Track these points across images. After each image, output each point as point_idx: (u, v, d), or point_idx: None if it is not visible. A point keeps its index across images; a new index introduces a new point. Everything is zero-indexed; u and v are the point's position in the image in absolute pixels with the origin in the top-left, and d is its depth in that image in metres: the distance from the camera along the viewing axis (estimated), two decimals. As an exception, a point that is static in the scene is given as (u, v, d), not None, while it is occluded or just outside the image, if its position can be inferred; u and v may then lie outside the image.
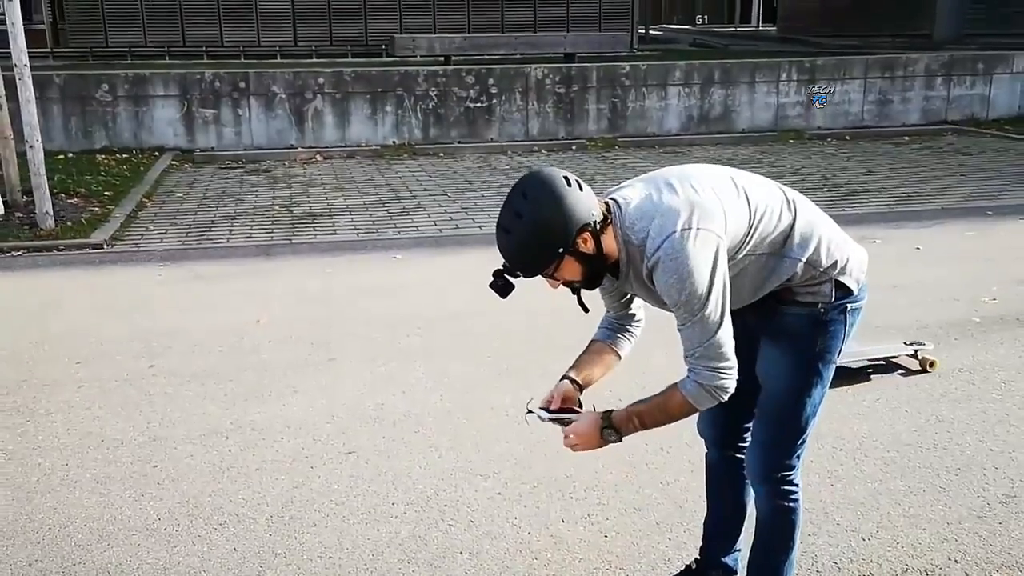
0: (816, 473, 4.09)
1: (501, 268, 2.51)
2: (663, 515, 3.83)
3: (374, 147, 13.89)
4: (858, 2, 27.75)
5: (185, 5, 24.29)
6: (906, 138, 14.68)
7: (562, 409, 2.77)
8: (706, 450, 3.16)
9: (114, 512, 3.92)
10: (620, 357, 2.87)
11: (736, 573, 3.22)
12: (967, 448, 4.37)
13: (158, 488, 4.12)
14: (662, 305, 2.58)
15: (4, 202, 9.52)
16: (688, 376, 2.52)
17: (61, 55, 23.71)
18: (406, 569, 3.49)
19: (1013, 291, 6.70)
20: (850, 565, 3.46)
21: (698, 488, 3.89)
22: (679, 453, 4.27)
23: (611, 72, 14.82)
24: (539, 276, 2.54)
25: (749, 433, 2.94)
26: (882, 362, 5.38)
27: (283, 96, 13.76)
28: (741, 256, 2.55)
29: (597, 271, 2.55)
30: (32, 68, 8.97)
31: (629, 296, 2.80)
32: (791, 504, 2.87)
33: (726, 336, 2.47)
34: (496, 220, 2.49)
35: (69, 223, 9.20)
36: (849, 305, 2.67)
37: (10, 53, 8.70)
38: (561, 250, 2.43)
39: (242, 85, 13.69)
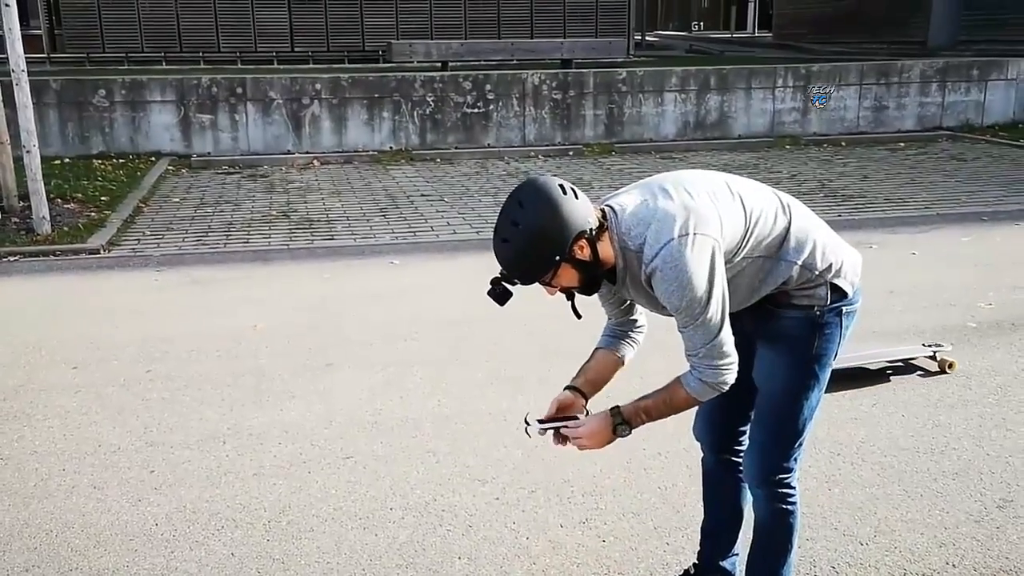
0: (814, 478, 4.09)
1: (499, 276, 2.53)
2: (661, 520, 3.83)
3: (371, 152, 13.89)
4: (853, 9, 27.81)
5: (182, 11, 24.30)
6: (901, 144, 14.71)
7: (558, 417, 2.78)
8: (702, 454, 3.16)
9: (111, 518, 3.91)
10: (624, 363, 2.88)
11: (734, 577, 3.23)
12: (964, 453, 4.38)
13: (155, 493, 4.11)
14: (660, 310, 2.60)
15: (1, 207, 9.51)
16: (691, 373, 2.56)
17: (58, 60, 23.71)
18: (404, 574, 3.48)
19: (1009, 296, 6.71)
20: (848, 570, 3.47)
21: (696, 493, 3.89)
22: (677, 458, 4.27)
23: (608, 78, 14.84)
24: (537, 283, 2.55)
25: (745, 437, 2.95)
26: (901, 364, 5.43)
27: (280, 101, 13.77)
28: (738, 259, 2.57)
29: (594, 278, 2.57)
30: (29, 73, 8.98)
31: (629, 302, 2.81)
32: (789, 507, 2.87)
33: (727, 336, 2.50)
34: (493, 227, 2.50)
35: (66, 228, 9.20)
36: (844, 308, 2.70)
37: (7, 59, 8.71)
38: (558, 258, 2.45)
39: (239, 90, 13.69)
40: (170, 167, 12.86)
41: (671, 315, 2.56)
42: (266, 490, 4.13)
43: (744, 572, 3.06)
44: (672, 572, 3.44)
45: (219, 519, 3.89)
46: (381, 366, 5.58)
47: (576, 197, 2.48)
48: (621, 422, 2.66)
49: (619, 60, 22.10)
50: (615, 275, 2.59)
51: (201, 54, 24.07)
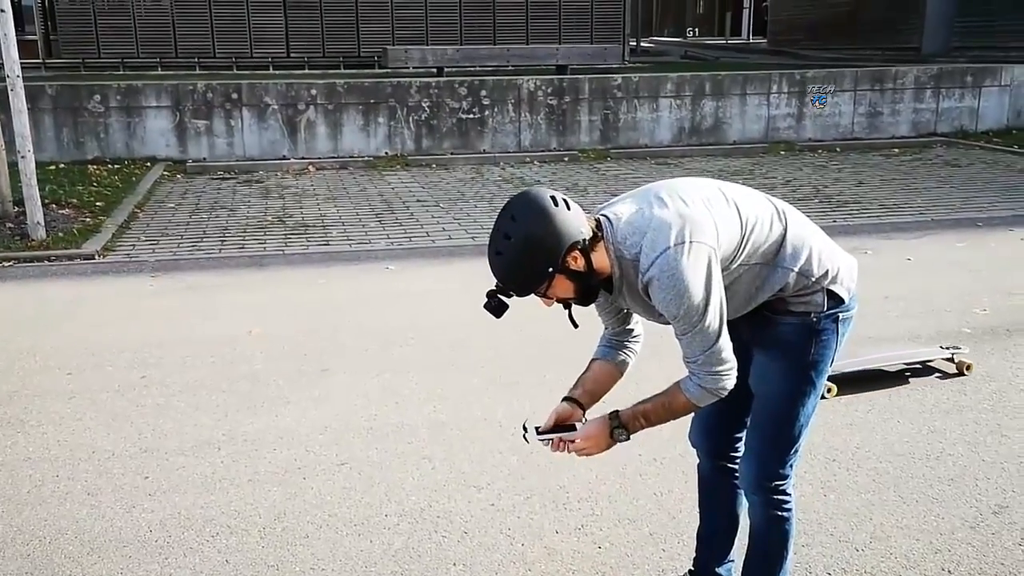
0: (809, 484, 4.09)
1: (494, 288, 2.53)
2: (657, 526, 3.83)
3: (367, 158, 13.89)
4: (848, 15, 27.87)
5: (177, 16, 24.28)
6: (896, 150, 14.74)
7: (556, 427, 2.79)
8: (698, 460, 3.16)
9: (105, 524, 3.90)
10: (622, 374, 2.88)
11: (730, 584, 3.23)
12: (959, 459, 4.38)
13: (150, 500, 4.10)
14: (657, 318, 2.61)
15: (-5, 213, 9.50)
16: (691, 379, 2.57)
17: (53, 66, 23.69)
18: (399, 581, 3.48)
19: (1003, 302, 6.72)
20: (844, 576, 3.47)
21: (692, 499, 3.89)
22: (673, 464, 4.27)
23: (603, 84, 14.86)
24: (532, 295, 2.56)
25: (742, 443, 2.95)
26: (919, 366, 5.46)
27: (275, 107, 13.76)
28: (735, 266, 2.57)
29: (589, 288, 2.57)
30: (24, 79, 8.96)
31: (626, 311, 2.81)
32: (785, 514, 2.87)
33: (725, 342, 2.51)
34: (488, 232, 2.51)
35: (60, 233, 9.18)
36: (841, 314, 2.70)
37: (2, 64, 8.70)
38: (551, 269, 2.46)
39: (234, 96, 13.68)
40: (165, 172, 12.84)
41: (668, 323, 2.57)
42: (261, 496, 4.12)
43: (740, 578, 3.06)
44: (668, 578, 3.44)
45: (214, 525, 3.88)
46: (376, 372, 5.57)
47: (568, 208, 2.49)
48: (619, 426, 2.68)
49: (614, 66, 22.11)
50: (611, 285, 2.59)
51: (197, 60, 24.05)
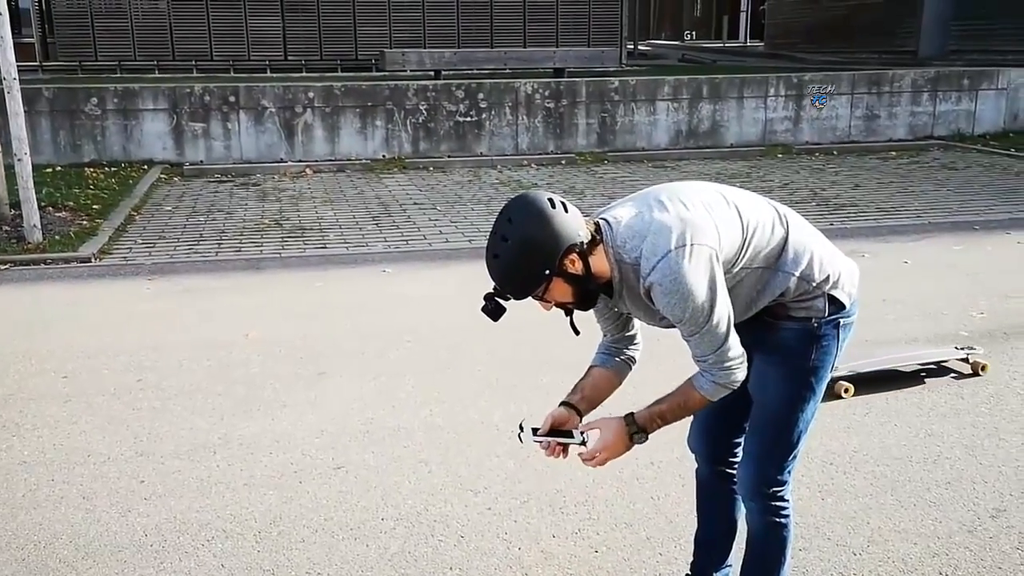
0: (807, 487, 4.08)
1: (492, 292, 2.52)
2: (654, 530, 3.82)
3: (364, 161, 13.88)
4: (844, 19, 27.89)
5: (175, 19, 24.29)
6: (893, 153, 14.76)
7: (552, 432, 2.77)
8: (696, 465, 3.15)
9: (100, 528, 3.89)
10: (621, 382, 2.87)
11: (727, 589, 3.21)
12: (957, 462, 4.37)
13: (145, 504, 4.09)
14: (659, 322, 2.60)
15: (-9, 216, 9.48)
16: (703, 376, 2.56)
17: (50, 68, 23.67)
18: (395, 585, 3.47)
19: (1000, 305, 6.72)
20: (841, 580, 3.46)
21: (689, 503, 3.88)
22: (670, 468, 4.26)
23: (600, 87, 14.86)
24: (531, 298, 2.54)
25: (740, 448, 2.94)
26: (933, 366, 5.47)
27: (273, 110, 13.75)
28: (736, 270, 2.56)
29: (588, 292, 2.55)
30: (21, 81, 8.95)
31: (625, 317, 2.79)
32: (783, 520, 2.86)
33: (734, 339, 2.51)
34: (486, 236, 2.50)
35: (57, 236, 9.17)
36: (842, 320, 2.69)
37: (-2, 67, 8.69)
38: (548, 272, 2.44)
39: (232, 99, 13.67)
40: (162, 175, 12.83)
41: (670, 327, 2.55)
42: (257, 500, 4.10)
43: (737, 583, 3.05)
44: (665, 583, 3.43)
45: (209, 529, 3.87)
46: (373, 375, 5.56)
47: (566, 211, 2.47)
48: (637, 430, 2.66)
49: (612, 69, 22.12)
50: (611, 289, 2.58)
51: (194, 62, 24.05)
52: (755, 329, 2.68)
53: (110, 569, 3.59)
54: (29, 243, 8.89)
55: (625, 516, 3.93)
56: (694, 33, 49.41)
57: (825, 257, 2.66)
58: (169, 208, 10.84)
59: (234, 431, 4.81)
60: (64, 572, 3.58)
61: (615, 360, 2.85)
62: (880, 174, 12.91)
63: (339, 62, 24.85)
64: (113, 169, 12.91)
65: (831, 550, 3.65)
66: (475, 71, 21.78)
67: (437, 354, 5.91)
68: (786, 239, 2.62)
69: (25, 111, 9.13)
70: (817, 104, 15.30)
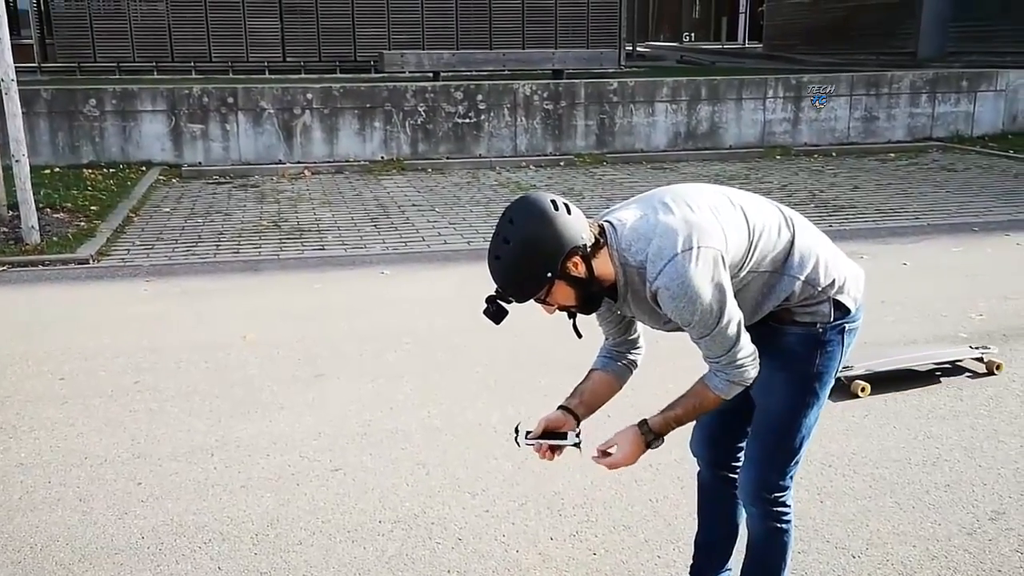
0: (805, 490, 4.07)
1: (494, 294, 2.49)
2: (652, 533, 3.81)
3: (362, 162, 13.87)
4: (843, 20, 27.89)
5: (173, 20, 24.26)
6: (892, 155, 14.76)
7: (546, 434, 2.76)
8: (698, 468, 3.13)
9: (97, 531, 3.87)
10: (621, 385, 2.84)
11: (726, 592, 3.20)
12: (956, 464, 4.36)
13: (142, 506, 4.08)
14: (664, 326, 2.57)
15: (-11, 217, 9.47)
16: (716, 375, 2.54)
17: (49, 70, 23.64)
18: (393, 588, 3.46)
19: (999, 307, 6.71)
20: (840, 583, 3.45)
21: (687, 505, 3.87)
22: (668, 471, 4.25)
23: (599, 88, 14.86)
24: (533, 301, 2.52)
25: (743, 453, 2.92)
26: (948, 365, 5.49)
27: (271, 111, 13.75)
28: (743, 274, 2.53)
29: (592, 295, 2.52)
30: (19, 83, 8.95)
31: (628, 321, 2.76)
32: (783, 526, 2.84)
33: (744, 338, 2.49)
34: (484, 237, 2.49)
35: (55, 238, 9.16)
36: (847, 325, 2.66)
37: (-3, 68, 8.68)
38: (550, 274, 2.41)
39: (230, 100, 13.66)
40: (161, 177, 12.82)
41: (675, 330, 2.53)
42: (254, 503, 4.09)
43: (737, 587, 3.04)
44: (663, 585, 3.42)
45: (206, 532, 3.86)
46: (371, 377, 5.55)
47: (569, 212, 2.44)
48: (654, 437, 2.65)
49: (610, 70, 22.12)
50: (615, 292, 2.55)
51: (193, 64, 24.03)
52: (759, 334, 2.63)
53: (107, 572, 3.58)
54: (27, 244, 8.88)
55: (623, 518, 3.92)
56: (693, 35, 49.41)
57: (831, 261, 2.63)
58: (167, 209, 10.83)
59: (231, 433, 4.80)
60: (61, 575, 3.57)
61: (616, 364, 2.83)
62: (879, 176, 12.91)
63: (338, 63, 24.83)
64: (111, 170, 12.90)
65: (830, 552, 3.64)
66: (474, 72, 21.77)
67: (435, 356, 5.90)
68: (792, 243, 2.59)
69: (23, 112, 9.13)
70: (817, 104, 15.30)
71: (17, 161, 8.86)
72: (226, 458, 4.52)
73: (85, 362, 5.84)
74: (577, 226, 2.44)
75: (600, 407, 2.85)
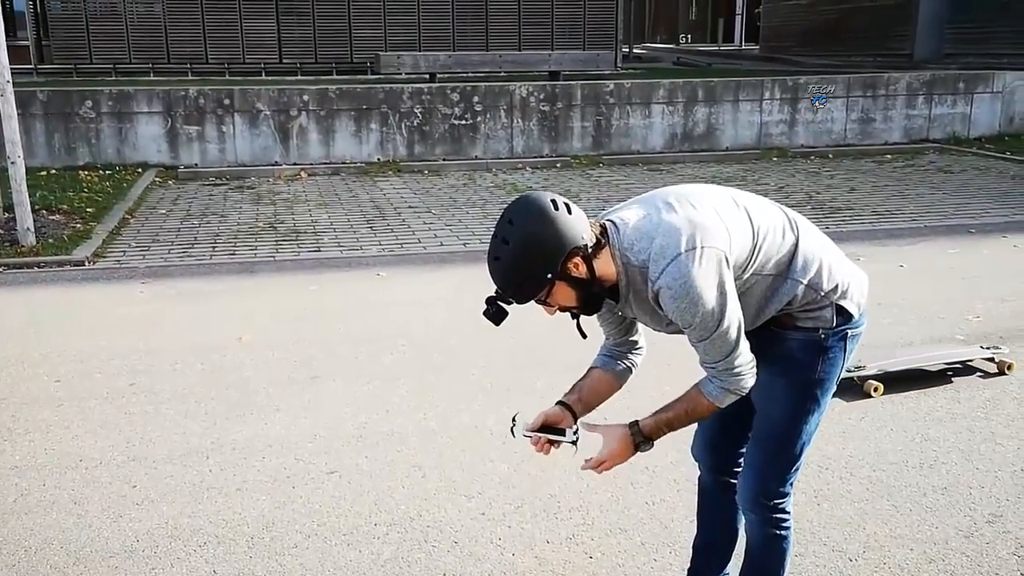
0: (802, 492, 4.06)
1: (494, 295, 2.46)
2: (648, 535, 3.79)
3: (359, 164, 13.86)
4: (839, 22, 27.93)
5: (170, 22, 24.26)
6: (888, 156, 14.76)
7: (543, 429, 2.74)
8: (699, 472, 3.11)
9: (92, 534, 3.86)
10: (621, 385, 2.82)
11: (724, 596, 3.18)
12: (953, 467, 4.36)
13: (137, 509, 4.06)
14: (665, 327, 2.54)
15: (-15, 219, 9.45)
16: (712, 382, 2.51)
17: (45, 71, 23.62)
18: (388, 591, 3.44)
19: (996, 309, 6.71)
20: (837, 586, 3.44)
21: (684, 508, 3.87)
22: (665, 473, 4.24)
23: (595, 90, 14.86)
24: (534, 302, 2.49)
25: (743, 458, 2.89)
26: (959, 365, 5.51)
27: (267, 113, 13.74)
28: (747, 276, 2.50)
29: (593, 296, 2.50)
30: (15, 84, 8.93)
31: (629, 321, 2.73)
32: (782, 532, 2.82)
33: (744, 345, 2.45)
34: (480, 239, 2.47)
35: (51, 240, 9.14)
36: (849, 331, 2.62)
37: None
38: (550, 275, 2.38)
39: (226, 102, 13.66)
40: (157, 178, 12.80)
41: (677, 333, 2.50)
42: (249, 505, 4.08)
43: (734, 591, 3.03)
44: (660, 589, 3.40)
45: (201, 535, 3.84)
46: (367, 379, 5.53)
47: (570, 212, 2.41)
48: (643, 440, 2.62)
49: (607, 72, 22.13)
50: (617, 293, 2.52)
51: (189, 65, 24.02)
52: (760, 338, 2.60)
53: (101, 575, 3.56)
54: (23, 246, 8.86)
55: (620, 521, 3.91)
56: (689, 36, 49.46)
57: (834, 265, 2.60)
58: (163, 211, 10.81)
59: (227, 435, 4.78)
60: (54, 578, 3.56)
61: (616, 363, 2.80)
62: (876, 177, 12.91)
63: (334, 65, 24.83)
64: (107, 172, 12.89)
65: (827, 555, 3.63)
66: (470, 74, 21.78)
67: (431, 358, 5.89)
68: (796, 246, 2.55)
69: (19, 114, 9.12)
70: (817, 104, 15.30)
71: (13, 163, 8.83)
72: (221, 461, 4.51)
73: (80, 364, 5.82)
74: (578, 226, 2.40)
75: (598, 405, 2.82)
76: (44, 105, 13.16)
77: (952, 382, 5.37)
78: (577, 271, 2.41)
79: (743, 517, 2.93)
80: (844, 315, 2.60)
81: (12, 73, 8.78)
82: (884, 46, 25.32)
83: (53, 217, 10.03)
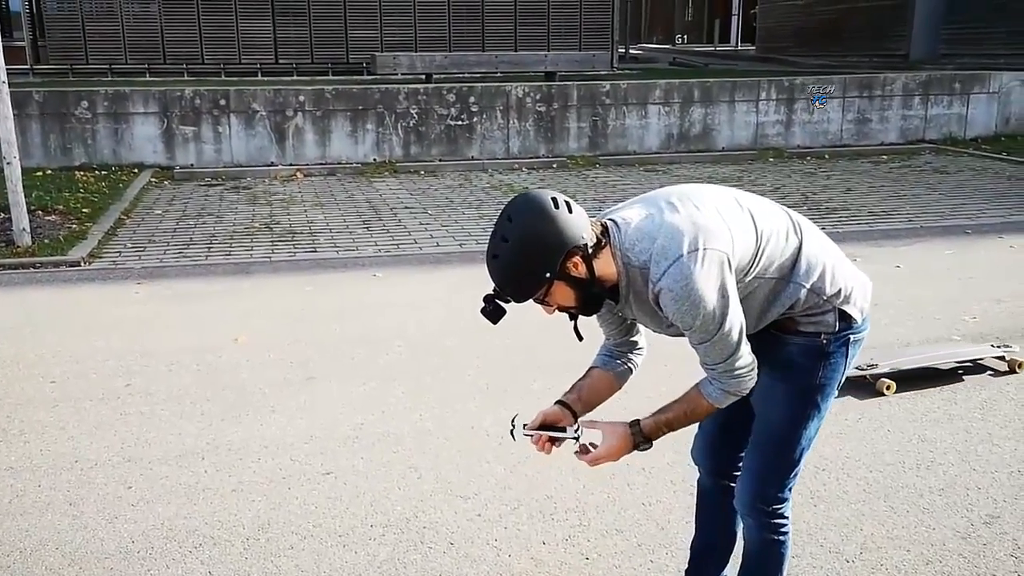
0: (799, 493, 4.04)
1: (492, 293, 2.44)
2: (645, 536, 3.79)
3: (355, 164, 13.85)
4: (836, 22, 27.94)
5: (166, 23, 24.22)
6: (884, 157, 14.77)
7: (544, 428, 2.73)
8: (698, 475, 3.09)
9: (87, 535, 3.85)
10: (620, 385, 2.80)
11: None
12: (950, 468, 4.35)
13: (132, 510, 4.05)
14: (666, 329, 2.52)
15: (-20, 219, 9.43)
16: (712, 384, 2.49)
17: (41, 72, 23.57)
18: (385, 593, 3.43)
19: (992, 310, 6.71)
20: (834, 587, 3.44)
21: (681, 509, 3.87)
22: (661, 474, 4.23)
23: (592, 90, 14.85)
24: (532, 301, 2.47)
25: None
26: (970, 364, 5.54)
27: (264, 113, 13.72)
28: (749, 279, 2.48)
29: (593, 296, 2.47)
30: (11, 85, 8.92)
31: (630, 322, 2.71)
32: (780, 538, 2.81)
33: (745, 347, 2.43)
34: (477, 240, 2.46)
35: (46, 240, 9.12)
36: (852, 336, 2.61)
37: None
38: (548, 275, 2.36)
39: (222, 102, 13.64)
40: (153, 179, 12.78)
41: (678, 335, 2.48)
42: (245, 506, 4.07)
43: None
44: (656, 590, 3.40)
45: (197, 536, 3.83)
46: (363, 380, 5.52)
47: (570, 211, 2.38)
48: (643, 440, 2.60)
49: (603, 73, 22.11)
50: (617, 293, 2.50)
51: (185, 66, 23.98)
52: (762, 343, 2.57)
53: (96, 577, 3.56)
54: (18, 247, 8.84)
55: (616, 522, 3.90)
56: (685, 37, 49.46)
57: (838, 270, 2.57)
58: (159, 212, 10.79)
59: (222, 436, 4.77)
60: (49, 580, 3.54)
61: (616, 364, 2.78)
62: (871, 178, 12.92)
63: (330, 65, 24.80)
64: (103, 172, 12.87)
65: (824, 557, 3.62)
66: (466, 75, 21.76)
67: (427, 359, 5.88)
68: (800, 249, 2.53)
69: (15, 114, 9.10)
70: (817, 104, 15.30)
71: (8, 163, 8.82)
72: (217, 462, 4.49)
73: (76, 365, 5.81)
74: (578, 225, 2.38)
75: (598, 405, 2.80)
76: (40, 106, 13.13)
77: (964, 380, 5.39)
78: (576, 271, 2.39)
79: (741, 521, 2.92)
80: (846, 320, 2.59)
81: (8, 74, 8.75)
82: (880, 46, 25.33)
83: (49, 218, 10.02)
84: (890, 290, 7.18)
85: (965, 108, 15.99)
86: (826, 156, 14.83)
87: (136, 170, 13.13)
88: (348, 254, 8.87)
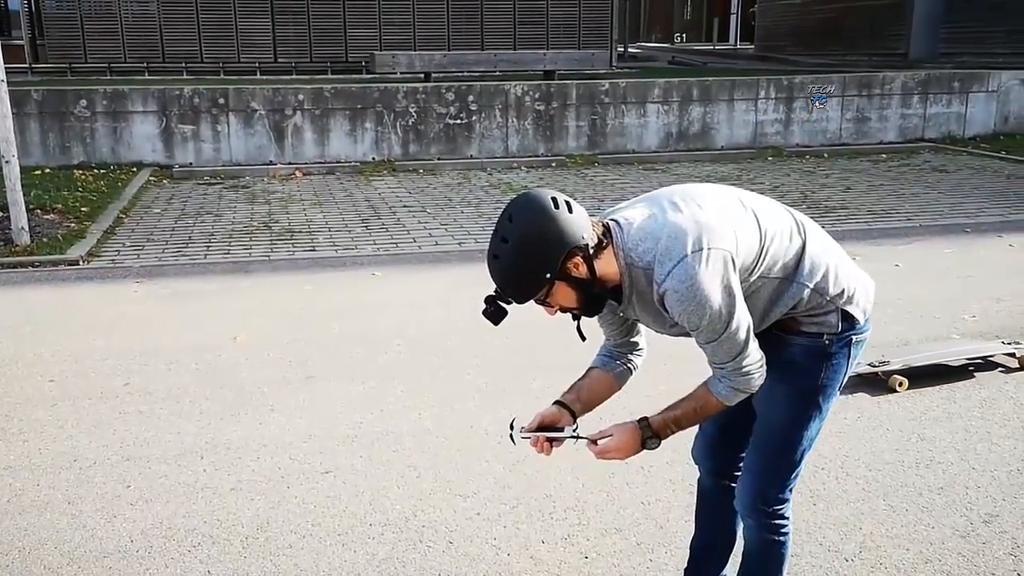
0: (798, 492, 4.02)
1: (493, 294, 2.43)
2: (644, 535, 3.79)
3: (354, 163, 13.84)
4: (834, 21, 27.95)
5: (165, 21, 24.20)
6: (884, 155, 14.77)
7: (542, 429, 2.72)
8: (699, 475, 3.09)
9: (86, 534, 3.84)
10: (620, 386, 2.78)
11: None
12: (949, 467, 4.35)
13: (131, 509, 4.05)
14: (669, 330, 2.51)
15: (-22, 218, 9.42)
16: (721, 381, 2.48)
17: (40, 71, 23.55)
18: (384, 592, 3.43)
19: (992, 308, 6.71)
20: (833, 586, 3.43)
21: (680, 508, 3.86)
22: (660, 473, 4.23)
23: (590, 89, 14.85)
24: (534, 302, 2.46)
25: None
26: (980, 360, 5.57)
27: (262, 112, 13.71)
28: (753, 279, 2.46)
29: (594, 297, 2.45)
30: (10, 83, 8.91)
31: (631, 323, 2.70)
32: (780, 538, 2.80)
33: (753, 344, 2.42)
34: (475, 239, 2.46)
35: (45, 239, 9.11)
36: (854, 337, 2.60)
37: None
38: (549, 275, 2.34)
39: (221, 101, 13.63)
40: (151, 177, 12.77)
41: (681, 335, 2.47)
42: (244, 505, 4.07)
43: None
44: (656, 589, 3.40)
45: (196, 535, 3.83)
46: (362, 379, 5.52)
47: (571, 211, 2.37)
48: (652, 436, 2.59)
49: (602, 71, 22.11)
50: (619, 294, 2.48)
51: (184, 65, 23.96)
52: (764, 343, 2.54)
53: (96, 575, 3.56)
54: (17, 246, 8.83)
55: (615, 521, 3.90)
56: (684, 35, 49.46)
57: (841, 270, 2.56)
58: (158, 210, 10.79)
59: (221, 435, 4.77)
60: (48, 579, 3.54)
61: (616, 364, 2.76)
62: (871, 177, 12.92)
63: (329, 64, 24.78)
64: (102, 171, 12.86)
65: (823, 556, 3.62)
66: (465, 73, 21.75)
67: (426, 358, 5.88)
68: (803, 249, 2.52)
69: (14, 113, 9.10)
70: (817, 104, 15.30)
71: (7, 162, 8.81)
72: (216, 460, 4.49)
73: (75, 364, 5.80)
74: (578, 225, 2.36)
75: (597, 406, 2.79)
76: (39, 104, 13.13)
77: (975, 377, 5.41)
78: (577, 271, 2.37)
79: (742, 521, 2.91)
80: (849, 320, 2.58)
81: (7, 72, 8.75)
82: (879, 45, 25.34)
83: (48, 216, 10.01)
84: (889, 289, 7.17)
85: (964, 107, 16.00)
86: (825, 155, 14.83)
87: (135, 169, 13.12)
88: (347, 253, 8.86)
